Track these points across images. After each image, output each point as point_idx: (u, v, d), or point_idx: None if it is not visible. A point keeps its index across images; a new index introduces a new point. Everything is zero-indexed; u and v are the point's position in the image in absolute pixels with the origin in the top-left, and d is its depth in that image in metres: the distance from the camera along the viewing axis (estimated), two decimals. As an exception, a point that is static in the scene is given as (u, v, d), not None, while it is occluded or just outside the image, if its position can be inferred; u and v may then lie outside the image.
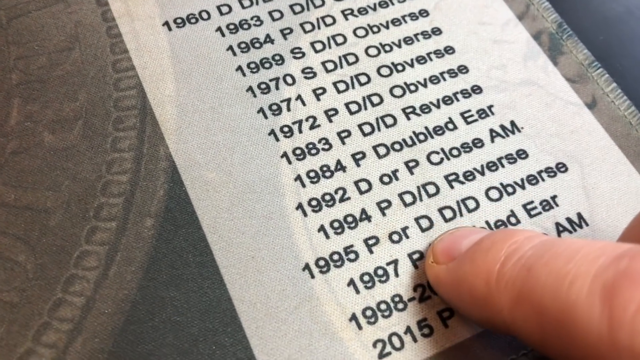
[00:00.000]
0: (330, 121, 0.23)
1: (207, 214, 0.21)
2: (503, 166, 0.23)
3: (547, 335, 0.15)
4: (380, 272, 0.21)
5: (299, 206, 0.21)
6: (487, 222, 0.22)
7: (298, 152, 0.22)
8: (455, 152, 0.23)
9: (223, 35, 0.25)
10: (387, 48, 0.25)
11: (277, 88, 0.24)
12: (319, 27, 0.25)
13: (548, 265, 0.15)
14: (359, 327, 0.20)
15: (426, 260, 0.20)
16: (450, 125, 0.23)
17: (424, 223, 0.21)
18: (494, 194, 0.22)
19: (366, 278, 0.20)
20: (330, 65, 0.24)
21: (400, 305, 0.20)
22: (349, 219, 0.21)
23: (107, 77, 0.23)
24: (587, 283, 0.14)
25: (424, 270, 0.21)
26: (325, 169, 0.22)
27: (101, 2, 0.25)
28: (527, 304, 0.15)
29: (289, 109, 0.23)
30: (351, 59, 0.25)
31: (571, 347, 0.14)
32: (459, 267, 0.18)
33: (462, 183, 0.22)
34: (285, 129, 0.23)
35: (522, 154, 0.23)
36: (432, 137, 0.23)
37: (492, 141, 0.23)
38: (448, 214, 0.22)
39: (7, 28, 0.24)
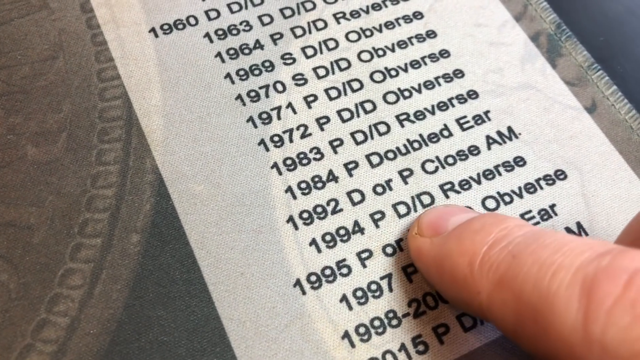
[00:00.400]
0: (322, 130, 0.22)
1: (194, 228, 0.20)
2: (500, 174, 0.22)
3: (521, 323, 0.15)
4: (373, 287, 0.20)
5: (290, 219, 0.21)
6: (483, 234, 0.21)
7: (289, 162, 0.22)
8: (450, 160, 0.22)
9: (211, 41, 0.24)
10: (381, 52, 0.24)
11: (267, 96, 0.23)
12: (310, 32, 0.24)
13: (534, 254, 0.16)
14: (352, 345, 0.19)
15: (410, 231, 0.20)
16: (446, 132, 0.23)
17: (419, 235, 0.21)
18: (490, 203, 0.22)
19: (359, 293, 0.20)
20: (321, 72, 0.24)
21: (394, 322, 0.19)
22: (342, 231, 0.21)
23: (91, 86, 0.23)
24: (569, 275, 0.14)
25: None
26: (316, 179, 0.22)
27: (86, 8, 0.24)
28: (507, 290, 0.16)
29: (279, 118, 0.23)
30: (343, 64, 0.24)
31: (544, 336, 0.15)
32: (444, 243, 0.18)
33: (458, 192, 0.22)
34: (276, 139, 0.22)
35: (519, 161, 0.22)
36: (426, 144, 0.22)
37: (489, 148, 0.23)
38: (443, 225, 0.21)
39: (-12, 37, 0.23)
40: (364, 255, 0.20)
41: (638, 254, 0.14)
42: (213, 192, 0.21)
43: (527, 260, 0.16)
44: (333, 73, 0.24)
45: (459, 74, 0.24)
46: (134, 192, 0.21)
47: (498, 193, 0.22)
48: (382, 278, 0.20)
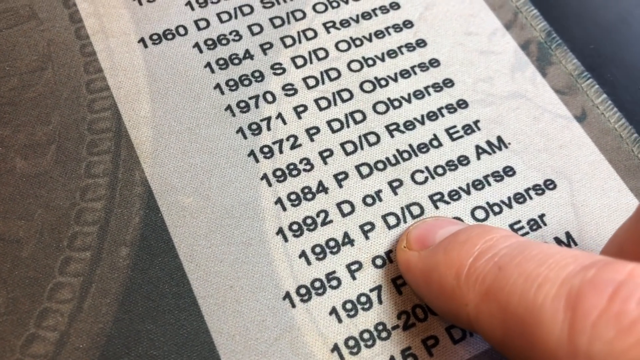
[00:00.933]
0: (312, 140, 0.22)
1: (184, 241, 0.20)
2: (489, 184, 0.22)
3: (508, 335, 0.15)
4: (363, 299, 0.20)
5: (280, 231, 0.21)
6: (473, 245, 0.21)
7: (278, 173, 0.22)
8: (440, 170, 0.22)
9: (201, 51, 0.24)
10: (370, 62, 0.24)
11: (256, 106, 0.23)
12: (299, 41, 0.24)
13: (520, 266, 0.16)
14: (341, 358, 0.19)
15: (398, 245, 0.20)
16: (435, 142, 0.23)
17: (408, 246, 0.21)
18: (480, 213, 0.22)
19: (349, 306, 0.20)
20: (311, 82, 0.24)
21: (383, 334, 0.20)
22: (331, 243, 0.21)
23: (80, 98, 0.23)
24: (554, 288, 0.15)
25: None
26: (306, 190, 0.22)
27: (75, 18, 0.24)
28: (494, 302, 0.16)
29: (269, 128, 0.23)
30: (333, 74, 0.24)
31: (531, 348, 0.15)
32: (432, 256, 0.18)
33: (448, 203, 0.22)
34: (266, 150, 0.22)
35: (509, 171, 0.23)
36: (416, 155, 0.22)
37: (478, 158, 0.23)
38: (433, 236, 0.21)
39: (-23, 48, 0.23)
40: (353, 267, 0.20)
41: (622, 266, 0.14)
42: (202, 204, 0.21)
43: (513, 272, 0.16)
44: (323, 83, 0.24)
45: (448, 83, 0.24)
46: (123, 205, 0.21)
47: (487, 203, 0.22)
48: (371, 290, 0.20)
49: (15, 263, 0.20)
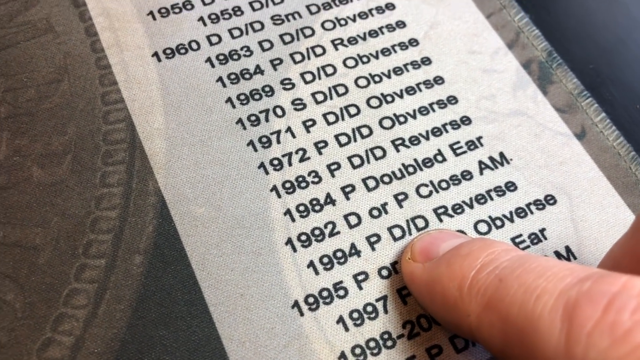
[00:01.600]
0: (320, 153, 0.23)
1: (196, 250, 0.21)
2: (492, 199, 0.23)
3: (508, 344, 0.16)
4: (369, 308, 0.21)
5: (289, 241, 0.21)
6: (475, 257, 0.22)
7: (288, 185, 0.22)
8: (444, 184, 0.23)
9: (213, 66, 0.24)
10: (377, 79, 0.25)
11: (266, 120, 0.24)
12: (308, 58, 0.25)
13: (519, 278, 0.16)
14: (348, 365, 0.20)
15: (403, 256, 0.21)
16: (439, 158, 0.24)
17: (413, 258, 0.22)
18: (482, 227, 0.22)
19: (355, 315, 0.20)
20: (320, 97, 0.24)
21: (389, 343, 0.20)
22: (339, 254, 0.21)
23: (96, 109, 0.23)
24: (552, 299, 0.15)
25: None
26: (315, 202, 0.22)
27: (90, 32, 0.25)
28: (494, 312, 0.16)
29: (278, 142, 0.23)
30: (341, 90, 0.25)
31: (530, 357, 0.15)
32: (435, 268, 0.19)
33: (451, 216, 0.22)
34: (275, 162, 0.23)
35: (511, 187, 0.23)
36: (421, 169, 0.23)
37: (481, 173, 0.23)
38: (437, 248, 0.22)
39: (-5, 60, 0.24)
40: (360, 278, 0.21)
41: (617, 278, 0.15)
42: (214, 215, 0.22)
43: (513, 284, 0.16)
44: (331, 98, 0.24)
45: (452, 100, 0.25)
46: (137, 214, 0.21)
47: (490, 217, 0.23)
48: (377, 300, 0.21)
49: (32, 269, 0.20)
